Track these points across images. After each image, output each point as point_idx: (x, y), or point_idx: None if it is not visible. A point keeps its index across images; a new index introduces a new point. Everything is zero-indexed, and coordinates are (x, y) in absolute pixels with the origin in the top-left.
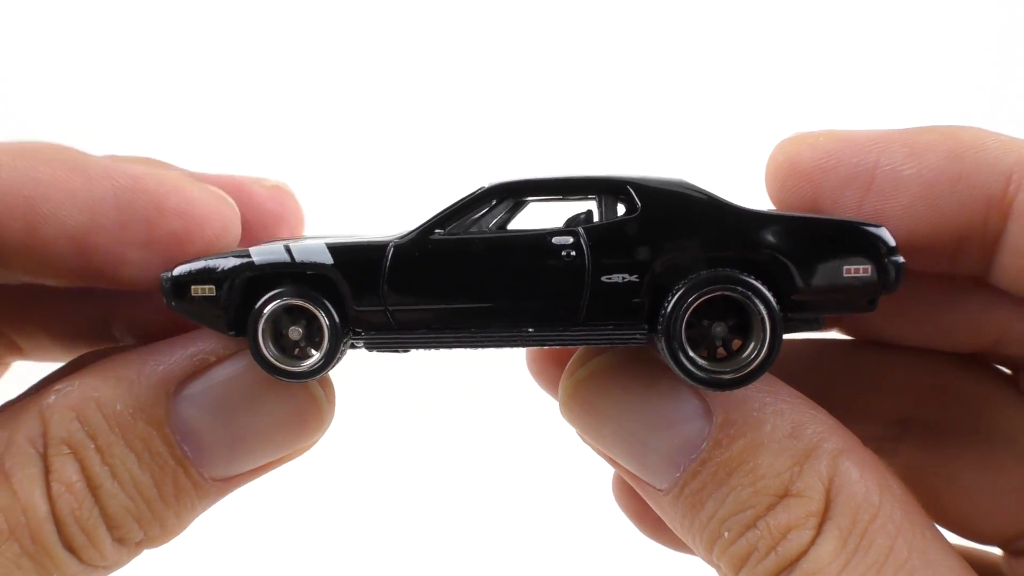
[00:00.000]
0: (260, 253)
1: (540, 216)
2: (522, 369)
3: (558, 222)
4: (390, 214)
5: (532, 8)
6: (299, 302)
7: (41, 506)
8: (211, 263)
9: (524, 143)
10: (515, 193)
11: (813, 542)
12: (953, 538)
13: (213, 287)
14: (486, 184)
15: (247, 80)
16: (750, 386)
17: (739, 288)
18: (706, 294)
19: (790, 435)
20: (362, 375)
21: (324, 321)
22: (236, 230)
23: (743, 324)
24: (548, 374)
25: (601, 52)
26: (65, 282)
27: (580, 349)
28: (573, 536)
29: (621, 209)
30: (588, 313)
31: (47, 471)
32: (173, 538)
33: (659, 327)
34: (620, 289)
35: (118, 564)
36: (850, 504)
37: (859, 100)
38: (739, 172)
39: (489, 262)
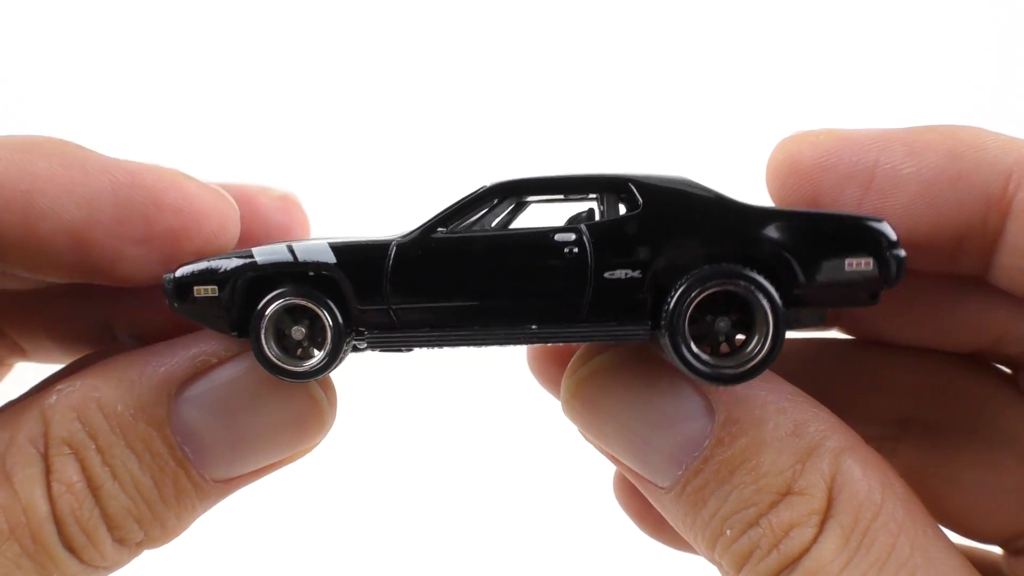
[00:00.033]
0: (263, 253)
1: (541, 218)
2: (522, 368)
3: (559, 223)
4: (392, 216)
5: (532, 8)
6: (302, 301)
7: (42, 506)
8: (214, 264)
9: (525, 144)
10: (516, 192)
11: (815, 540)
12: (953, 537)
13: (216, 287)
14: (487, 183)
15: (248, 83)
16: (752, 384)
17: (742, 283)
18: (709, 289)
19: (792, 433)
20: (362, 376)
21: (327, 321)
22: (235, 227)
23: (746, 319)
24: (549, 373)
25: (601, 52)
26: (63, 277)
27: (582, 347)
28: (574, 535)
29: (623, 208)
30: (591, 310)
31: (48, 471)
32: (173, 539)
33: (662, 323)
34: (623, 285)
35: (118, 564)
36: (852, 502)
37: (860, 99)
38: (740, 170)
39: (491, 260)
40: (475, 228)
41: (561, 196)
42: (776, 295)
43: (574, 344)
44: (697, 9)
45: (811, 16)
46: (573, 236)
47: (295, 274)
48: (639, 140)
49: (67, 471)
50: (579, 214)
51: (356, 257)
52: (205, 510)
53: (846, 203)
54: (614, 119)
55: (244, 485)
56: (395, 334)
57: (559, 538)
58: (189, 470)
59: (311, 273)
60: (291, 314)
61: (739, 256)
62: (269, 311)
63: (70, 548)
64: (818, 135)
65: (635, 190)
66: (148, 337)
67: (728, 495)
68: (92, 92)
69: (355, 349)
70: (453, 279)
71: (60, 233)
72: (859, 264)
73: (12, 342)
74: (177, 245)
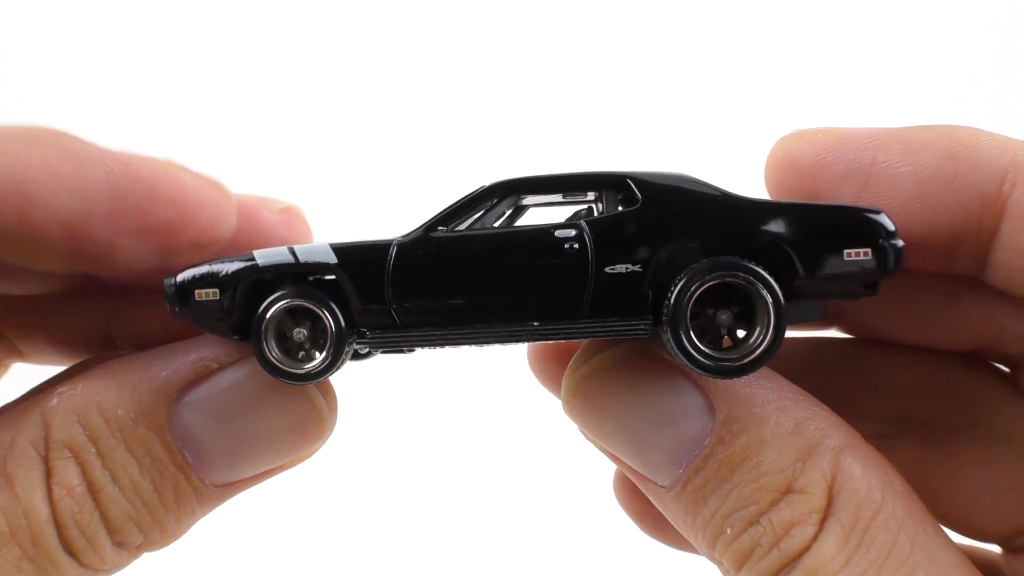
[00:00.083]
0: (264, 256)
1: (540, 220)
2: (522, 369)
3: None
4: (391, 220)
5: (531, 9)
6: (304, 303)
7: (42, 509)
8: (215, 267)
9: (522, 144)
10: (516, 190)
11: (815, 538)
12: (952, 536)
13: (217, 291)
14: (487, 182)
15: (247, 87)
16: (753, 382)
17: (742, 275)
18: (709, 282)
19: (793, 431)
20: (362, 381)
21: (328, 322)
22: (230, 217)
23: (747, 312)
24: (550, 372)
25: (601, 51)
26: (58, 268)
27: (582, 346)
28: (574, 535)
29: (622, 205)
30: (592, 305)
31: (49, 474)
32: (173, 542)
33: (664, 317)
34: (624, 280)
35: (117, 567)
36: (852, 500)
37: (859, 98)
38: (739, 168)
39: (492, 258)
40: (475, 227)
41: (559, 198)
42: (777, 287)
43: (575, 342)
44: (696, 8)
45: (810, 15)
46: (573, 232)
47: (296, 276)
48: (638, 139)
49: (68, 474)
50: (579, 211)
51: (357, 258)
52: (205, 514)
53: (843, 200)
54: (613, 118)
55: (244, 489)
56: (397, 334)
57: (560, 538)
58: (189, 474)
59: (312, 275)
60: (292, 316)
61: (739, 249)
62: (271, 313)
63: (70, 551)
64: (816, 133)
65: (634, 186)
66: (147, 344)
67: (729, 493)
68: (93, 99)
69: (356, 352)
70: (454, 278)
71: (55, 224)
72: (858, 255)
73: (10, 344)
74: (173, 235)
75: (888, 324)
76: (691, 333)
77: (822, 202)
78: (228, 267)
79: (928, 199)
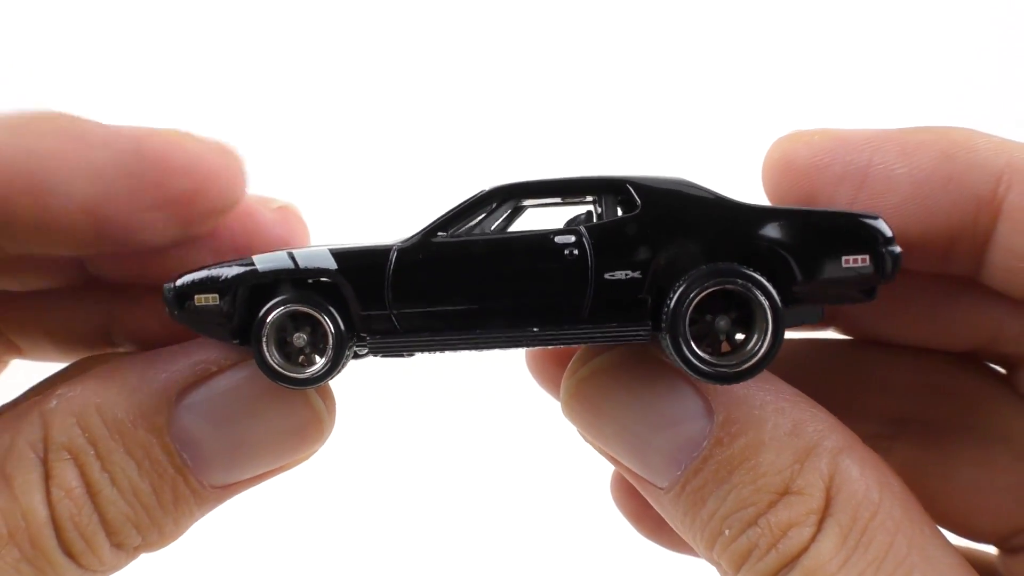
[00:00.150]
0: (264, 261)
1: (537, 223)
2: (520, 371)
3: (557, 226)
4: (389, 223)
5: (529, 13)
6: (304, 308)
7: (41, 511)
8: (214, 272)
9: (521, 148)
10: (515, 195)
11: (813, 539)
12: (950, 537)
13: (216, 296)
14: (486, 187)
15: (245, 87)
16: (751, 384)
17: (740, 281)
18: (708, 288)
19: (791, 433)
20: (360, 382)
21: (329, 327)
22: (244, 181)
23: (745, 317)
24: (549, 374)
25: (596, 55)
26: (83, 252)
27: (582, 348)
28: (572, 537)
29: (621, 210)
30: (592, 311)
31: (47, 476)
32: (171, 543)
33: (663, 323)
34: (623, 286)
35: (115, 568)
36: (850, 501)
37: (857, 98)
38: (736, 170)
39: (492, 263)
40: (475, 232)
41: (558, 200)
42: (775, 293)
43: (574, 345)
44: (692, 10)
45: (806, 15)
46: (573, 238)
47: (296, 281)
48: (635, 142)
49: (66, 476)
50: (577, 216)
51: (357, 263)
52: (203, 515)
53: (840, 202)
54: (610, 122)
55: (242, 491)
56: (397, 339)
57: (557, 540)
58: (187, 477)
59: (312, 279)
60: (292, 321)
61: (738, 255)
62: (271, 318)
63: (69, 553)
64: (813, 135)
65: (633, 191)
66: (146, 342)
67: (727, 495)
68: (91, 99)
69: (356, 355)
70: (455, 283)
71: (75, 210)
72: (855, 261)
73: (8, 341)
74: (191, 206)
75: (885, 325)
76: (690, 339)
77: (820, 208)
78: (227, 272)
79: (924, 201)
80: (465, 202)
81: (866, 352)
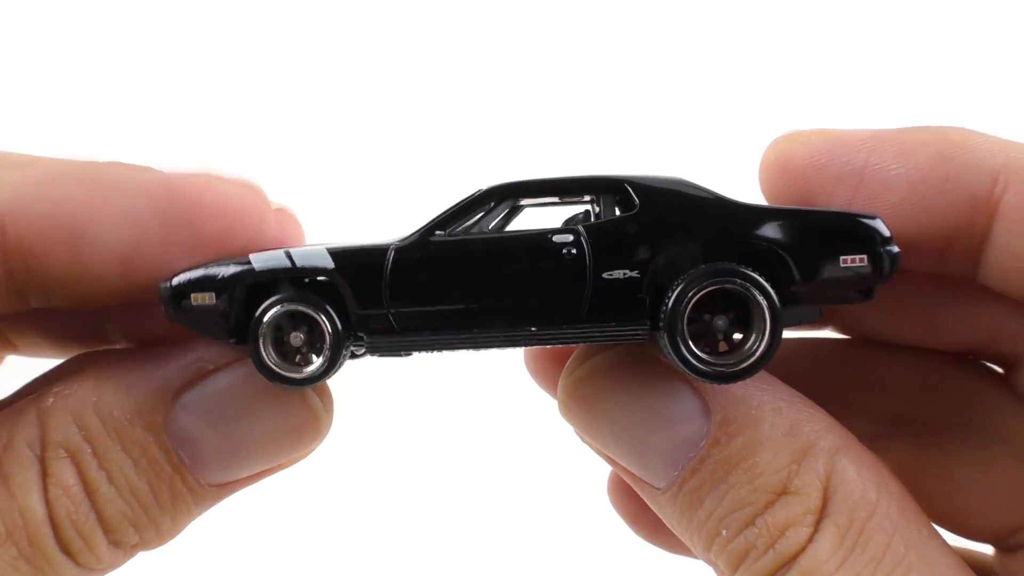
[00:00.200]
0: (261, 260)
1: (535, 222)
2: (518, 370)
3: (555, 226)
4: (384, 222)
5: (527, 11)
6: (301, 307)
7: (39, 509)
8: (211, 271)
9: (518, 147)
10: (513, 194)
11: (811, 539)
12: (947, 536)
13: (213, 295)
14: (484, 186)
15: (242, 88)
16: (748, 384)
17: (739, 281)
18: (706, 288)
19: (788, 433)
20: (358, 381)
21: (326, 326)
22: (271, 219)
23: (743, 317)
24: (547, 373)
25: (593, 54)
26: (111, 303)
27: (579, 348)
28: (568, 538)
29: (619, 209)
30: (590, 310)
31: (45, 475)
32: (168, 541)
33: (661, 322)
34: (621, 285)
35: (113, 567)
36: (847, 501)
37: (854, 98)
38: (733, 169)
39: (490, 262)
40: (473, 231)
41: (556, 199)
42: (773, 292)
43: (572, 345)
44: (689, 10)
45: (803, 15)
46: (571, 237)
47: (293, 280)
48: (633, 141)
49: (64, 475)
50: (575, 216)
51: (355, 262)
52: (200, 513)
53: (837, 203)
54: (607, 121)
55: (240, 488)
56: (395, 338)
57: (553, 541)
58: (185, 475)
59: (309, 279)
60: (289, 320)
61: (736, 254)
62: (268, 317)
63: (66, 551)
64: (809, 135)
65: (631, 191)
66: (141, 339)
67: (724, 495)
68: (90, 100)
69: (353, 355)
70: (452, 282)
71: (109, 259)
72: (853, 261)
73: (4, 338)
74: (223, 247)
75: (883, 323)
76: (688, 340)
77: (819, 208)
78: (224, 271)
79: (921, 201)
80: (463, 201)
81: (864, 351)
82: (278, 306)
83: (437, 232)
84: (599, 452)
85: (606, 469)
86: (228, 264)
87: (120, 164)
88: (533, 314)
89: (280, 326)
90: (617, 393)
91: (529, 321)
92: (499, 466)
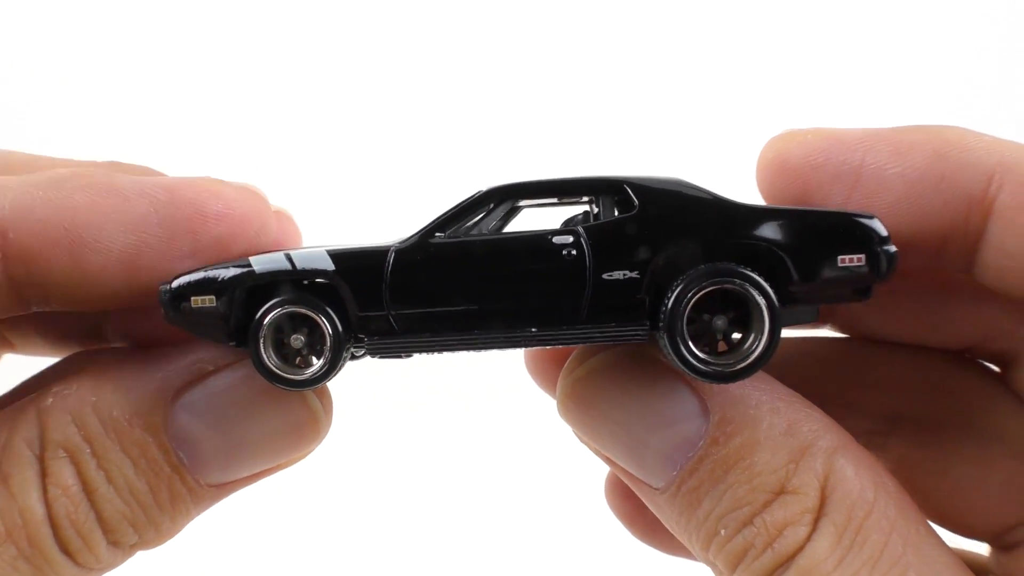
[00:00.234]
0: (261, 262)
1: (534, 223)
2: (518, 371)
3: (554, 227)
4: (380, 224)
5: (525, 12)
6: (301, 309)
7: (38, 509)
8: (211, 273)
9: (516, 148)
10: (513, 195)
11: (809, 538)
12: (944, 535)
13: (213, 297)
14: (484, 187)
15: (239, 89)
16: (747, 384)
17: (738, 281)
18: (706, 288)
19: (786, 432)
20: (357, 381)
21: (326, 328)
22: (273, 224)
23: (743, 317)
24: (548, 373)
25: (591, 55)
26: (111, 307)
27: (578, 348)
28: (566, 539)
29: (618, 210)
30: (590, 311)
31: (44, 474)
32: (167, 540)
33: (661, 322)
34: (621, 286)
35: (112, 566)
36: (845, 501)
37: (852, 96)
38: (731, 168)
39: (490, 263)
40: (472, 232)
41: (555, 200)
42: (772, 292)
43: (573, 345)
44: (685, 10)
45: (800, 14)
46: (571, 238)
47: (293, 282)
48: (631, 142)
49: (63, 475)
50: (574, 217)
51: (355, 264)
52: (200, 513)
53: (834, 202)
54: (605, 122)
55: (239, 488)
56: (395, 340)
57: (551, 542)
58: (184, 475)
59: (309, 281)
60: (290, 322)
61: (735, 254)
62: (268, 320)
63: (66, 551)
64: (806, 134)
65: (630, 192)
66: (139, 338)
67: (723, 494)
68: (89, 100)
69: (353, 357)
70: (453, 283)
71: (111, 263)
72: (851, 260)
73: (2, 337)
74: (225, 252)
75: (881, 322)
76: (687, 340)
77: (817, 208)
78: (224, 273)
79: (917, 200)
80: (463, 203)
81: (862, 349)
82: (278, 308)
83: (437, 234)
84: (597, 453)
85: (604, 471)
86: (228, 267)
87: (121, 167)
88: (533, 315)
89: (280, 328)
90: (616, 393)
91: (529, 322)
92: (497, 468)
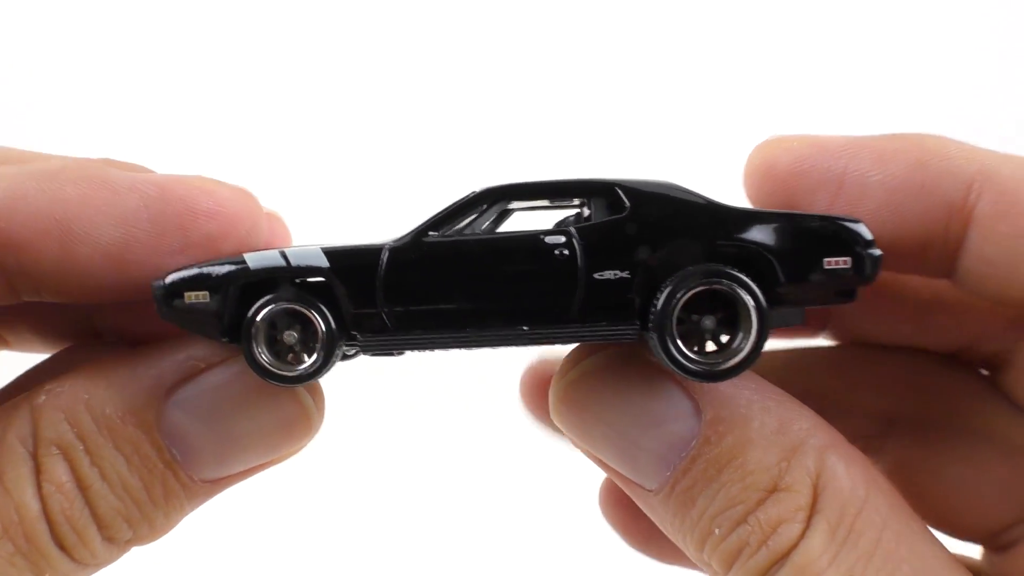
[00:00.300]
0: (255, 259)
1: (527, 225)
2: (516, 373)
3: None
4: (375, 224)
5: (520, 14)
6: (295, 306)
7: (33, 505)
8: (205, 270)
9: (512, 151)
10: (506, 196)
11: (803, 535)
12: (940, 538)
13: (207, 293)
14: (477, 188)
15: (235, 90)
16: (738, 384)
17: (726, 281)
18: (695, 289)
19: (777, 431)
20: (349, 379)
21: (320, 325)
22: (263, 224)
23: (731, 317)
24: (543, 409)
25: (586, 57)
26: (101, 300)
27: (569, 353)
28: (559, 547)
29: (609, 212)
30: (582, 310)
31: (38, 471)
32: (162, 536)
33: (651, 322)
34: (612, 286)
35: (107, 562)
36: (837, 498)
37: (843, 101)
38: (719, 173)
39: (484, 262)
40: (466, 232)
41: (547, 202)
42: (760, 293)
43: (564, 344)
44: (674, 16)
45: (787, 19)
46: (563, 238)
47: (288, 279)
48: (620, 146)
49: (56, 471)
50: (567, 218)
51: (349, 262)
52: (193, 508)
53: (818, 208)
54: (596, 125)
55: (233, 484)
56: (388, 337)
57: (544, 551)
58: (177, 471)
59: (303, 278)
60: (283, 318)
61: (723, 256)
62: (261, 316)
63: (61, 547)
64: (792, 140)
65: (621, 194)
66: (132, 336)
67: (716, 494)
68: (83, 99)
69: (345, 356)
70: (446, 282)
71: (99, 256)
72: (837, 263)
73: None
74: (215, 250)
75: (873, 325)
76: (677, 339)
77: (804, 211)
78: (218, 269)
79: (898, 208)
80: (456, 203)
81: (855, 352)
82: (272, 304)
83: (431, 233)
84: (591, 456)
85: (598, 479)
86: (222, 263)
87: (113, 163)
88: (526, 314)
89: (274, 324)
90: (608, 395)
91: (522, 320)
92: (497, 468)
